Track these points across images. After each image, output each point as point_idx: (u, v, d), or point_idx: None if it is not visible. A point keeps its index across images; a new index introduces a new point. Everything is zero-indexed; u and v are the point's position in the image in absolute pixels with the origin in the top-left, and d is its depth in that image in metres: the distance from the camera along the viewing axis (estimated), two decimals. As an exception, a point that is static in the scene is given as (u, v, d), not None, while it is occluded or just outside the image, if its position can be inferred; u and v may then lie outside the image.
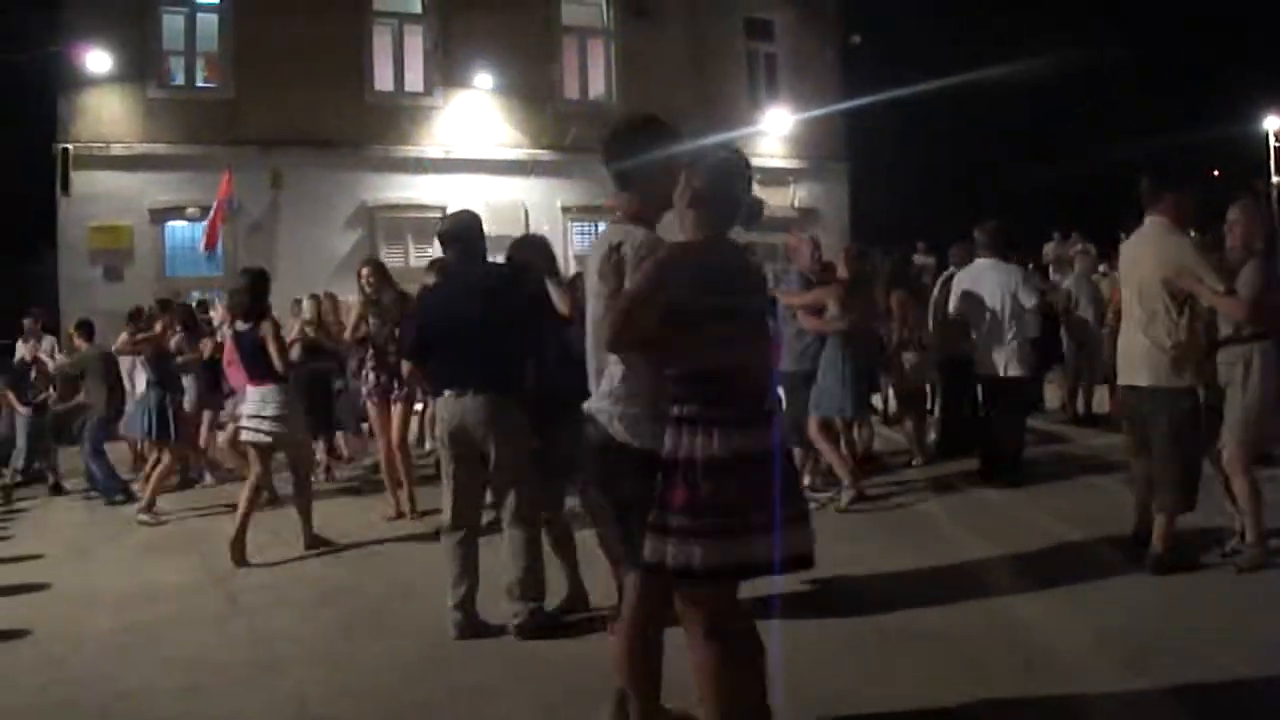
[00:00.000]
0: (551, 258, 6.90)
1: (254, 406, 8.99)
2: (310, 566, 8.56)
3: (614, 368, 4.26)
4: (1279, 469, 9.15)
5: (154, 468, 11.17)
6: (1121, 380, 7.34)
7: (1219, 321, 7.25)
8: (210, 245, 19.43)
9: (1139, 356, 7.06)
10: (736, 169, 4.30)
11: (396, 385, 10.10)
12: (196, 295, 17.89)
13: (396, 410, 10.15)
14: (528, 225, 20.70)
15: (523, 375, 6.61)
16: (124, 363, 13.22)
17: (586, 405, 4.34)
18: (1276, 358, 7.21)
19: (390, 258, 20.81)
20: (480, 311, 6.54)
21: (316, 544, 9.01)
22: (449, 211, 21.01)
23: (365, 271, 10.56)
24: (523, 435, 6.53)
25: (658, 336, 4.03)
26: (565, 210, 22.32)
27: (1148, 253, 7.05)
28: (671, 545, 3.92)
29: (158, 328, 11.67)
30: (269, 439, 9.00)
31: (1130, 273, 7.23)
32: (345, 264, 19.61)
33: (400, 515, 10.03)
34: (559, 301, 6.43)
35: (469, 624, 6.53)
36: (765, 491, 3.92)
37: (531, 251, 6.88)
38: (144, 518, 10.54)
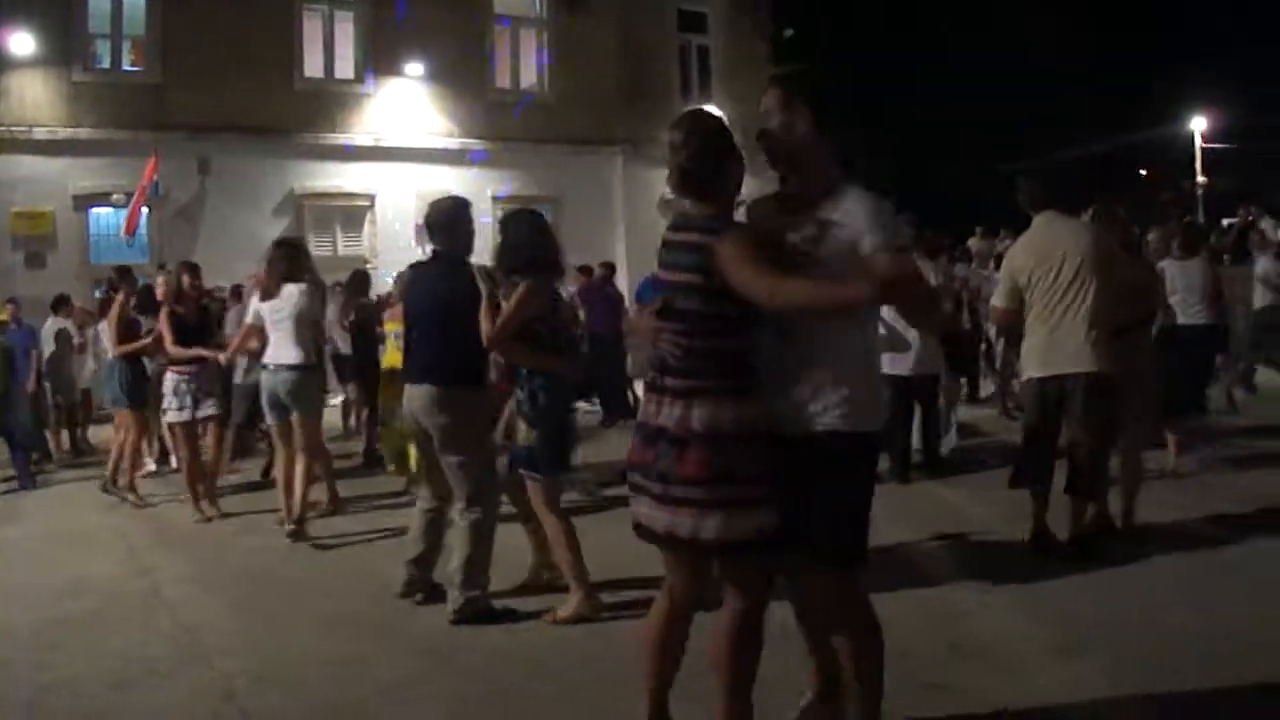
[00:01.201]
0: (532, 247, 6.64)
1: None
2: (238, 557, 8.57)
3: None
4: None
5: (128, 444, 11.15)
6: (1053, 370, 7.40)
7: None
8: (130, 230, 19.28)
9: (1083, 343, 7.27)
10: None
11: None
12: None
13: None
14: (458, 215, 20.68)
15: (474, 367, 6.70)
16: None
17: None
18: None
19: (318, 247, 20.82)
20: (429, 304, 6.80)
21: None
22: (377, 200, 21.29)
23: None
24: (468, 425, 6.64)
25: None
26: (496, 200, 22.34)
27: (1087, 239, 7.33)
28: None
29: (119, 297, 11.47)
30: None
31: (1068, 259, 7.31)
32: (273, 252, 19.58)
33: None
34: (485, 327, 6.39)
35: (416, 582, 6.90)
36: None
37: (522, 237, 6.71)
38: (130, 497, 10.78)
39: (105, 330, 11.86)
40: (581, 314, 16.01)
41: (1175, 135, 39.70)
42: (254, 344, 9.58)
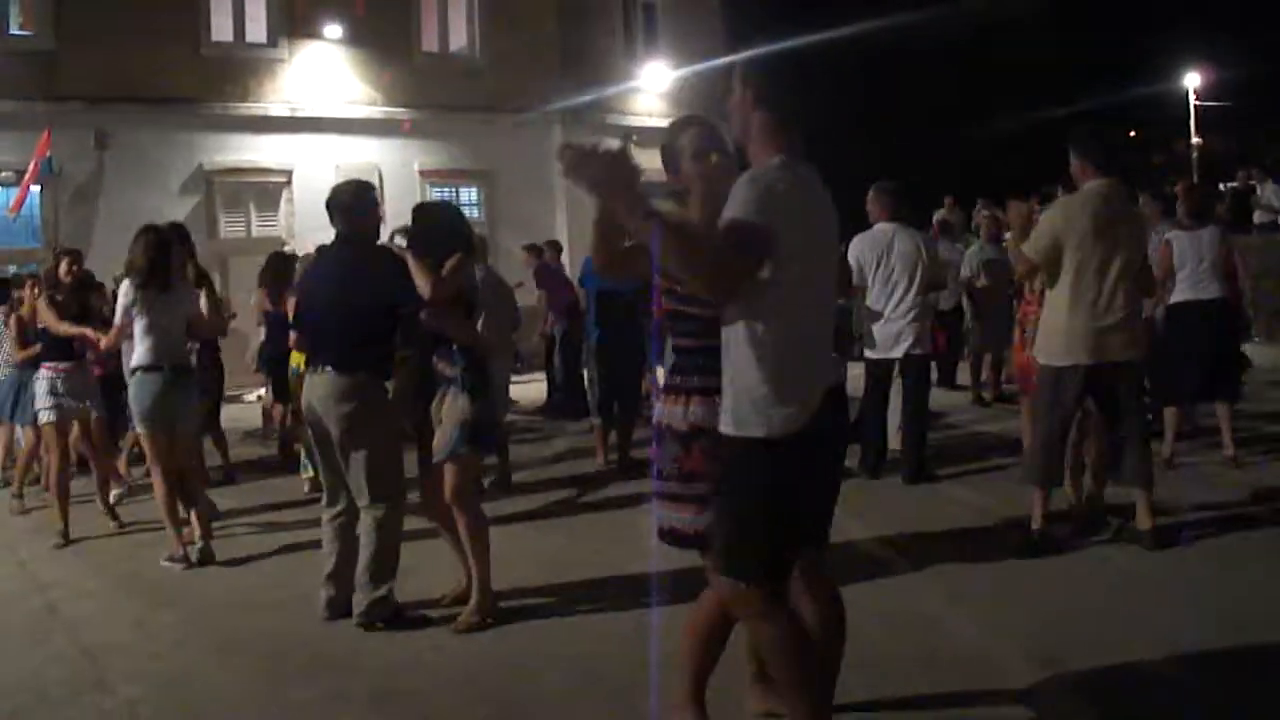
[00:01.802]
0: (451, 228, 6.99)
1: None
2: (143, 572, 8.45)
3: None
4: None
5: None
6: (1097, 357, 7.41)
7: None
8: (15, 209, 18.95)
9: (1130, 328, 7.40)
10: None
11: None
12: (13, 270, 17.38)
13: None
14: (382, 189, 20.59)
15: (378, 355, 6.79)
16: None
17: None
18: None
19: (230, 227, 20.74)
20: (329, 287, 6.93)
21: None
22: (294, 175, 21.11)
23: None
24: (370, 415, 6.69)
25: None
26: (423, 174, 22.25)
27: (1134, 217, 7.57)
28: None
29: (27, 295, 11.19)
30: None
31: (1110, 238, 7.35)
32: (180, 233, 19.36)
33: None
34: (421, 283, 6.56)
35: (335, 602, 6.87)
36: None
37: (428, 223, 6.96)
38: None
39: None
40: (539, 298, 16.00)
41: (1167, 93, 39.63)
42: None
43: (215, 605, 7.49)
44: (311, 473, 10.47)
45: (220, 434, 12.26)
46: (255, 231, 21.13)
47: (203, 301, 9.05)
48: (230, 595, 7.71)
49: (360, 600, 6.66)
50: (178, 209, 20.04)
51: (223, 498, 10.51)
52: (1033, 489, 7.70)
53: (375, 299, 6.66)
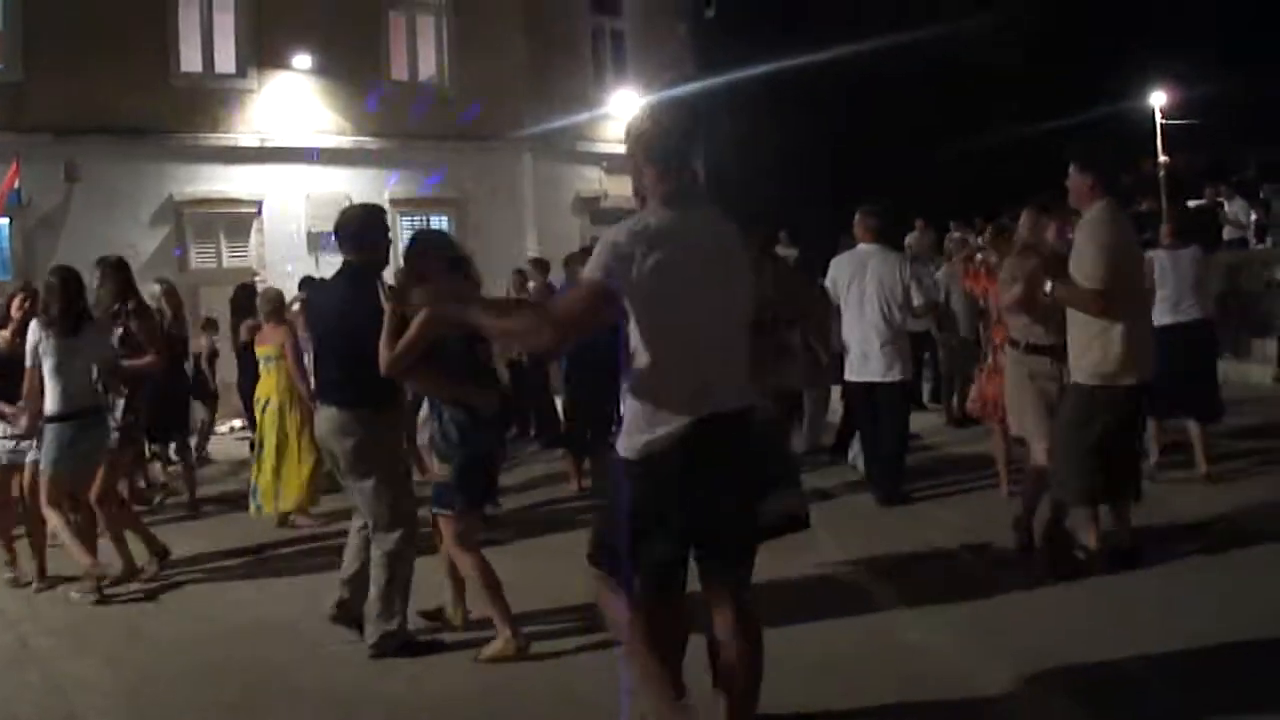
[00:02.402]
0: (446, 257, 6.83)
1: None
2: (114, 607, 8.40)
3: None
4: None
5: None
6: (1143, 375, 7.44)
7: None
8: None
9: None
10: None
11: None
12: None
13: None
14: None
15: (380, 388, 6.62)
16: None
17: None
18: None
19: (201, 258, 20.64)
20: (332, 321, 6.93)
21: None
22: (264, 205, 21.05)
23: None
24: (373, 448, 6.69)
25: None
26: (394, 203, 22.16)
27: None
28: None
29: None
30: None
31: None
32: (151, 264, 19.23)
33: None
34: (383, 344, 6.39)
35: (346, 603, 6.98)
36: None
37: (423, 251, 6.79)
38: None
39: None
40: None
41: (1132, 111, 39.71)
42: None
43: (186, 639, 7.47)
44: (256, 506, 10.60)
45: (190, 466, 12.20)
46: (226, 262, 21.01)
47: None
48: (201, 627, 7.69)
49: (371, 632, 6.70)
50: (148, 240, 20.09)
51: (192, 534, 10.47)
52: (1052, 506, 7.74)
53: (376, 335, 6.43)
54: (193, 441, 13.29)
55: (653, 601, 4.54)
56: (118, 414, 9.11)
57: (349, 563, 7.07)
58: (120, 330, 9.18)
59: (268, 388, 10.99)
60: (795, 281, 10.64)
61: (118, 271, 9.45)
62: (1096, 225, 7.28)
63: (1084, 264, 7.22)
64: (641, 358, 4.49)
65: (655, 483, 4.43)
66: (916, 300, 10.28)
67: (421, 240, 6.90)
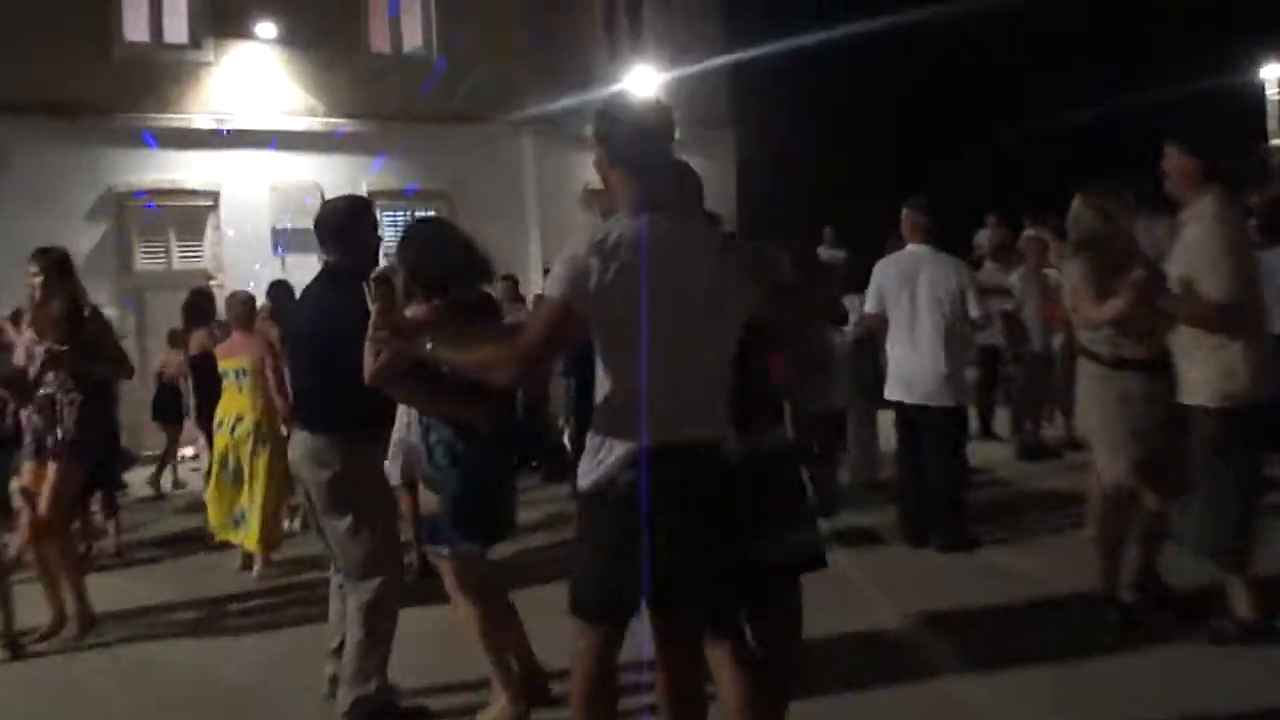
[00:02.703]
0: (446, 254, 6.72)
1: None
2: (46, 668, 8.33)
3: None
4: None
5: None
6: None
7: None
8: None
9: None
10: None
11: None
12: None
13: (52, 469, 9.08)
14: (325, 214, 20.52)
15: (364, 410, 6.51)
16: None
17: None
18: None
19: (148, 258, 20.61)
20: (308, 332, 6.85)
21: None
22: (222, 197, 21.03)
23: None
24: (352, 480, 6.57)
25: None
26: (374, 195, 22.09)
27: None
28: None
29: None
30: None
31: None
32: (89, 266, 19.16)
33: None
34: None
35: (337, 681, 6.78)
36: None
37: (419, 248, 6.74)
38: None
39: None
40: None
41: (1238, 86, 39.33)
42: None
43: (133, 708, 7.39)
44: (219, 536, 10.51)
45: (113, 507, 12.15)
46: (177, 264, 20.99)
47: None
48: (149, 695, 7.60)
49: (344, 697, 6.56)
50: (84, 237, 19.98)
51: (142, 580, 10.43)
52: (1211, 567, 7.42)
53: (360, 347, 6.17)
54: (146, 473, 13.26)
55: (596, 652, 4.74)
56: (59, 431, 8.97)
57: (335, 628, 6.99)
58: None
59: (236, 405, 10.81)
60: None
61: (59, 265, 9.35)
62: (1218, 222, 7.03)
63: (1204, 269, 6.96)
64: (602, 382, 4.70)
65: (605, 519, 4.65)
66: (974, 311, 10.17)
67: (411, 252, 6.73)
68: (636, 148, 4.71)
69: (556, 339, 4.64)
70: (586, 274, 4.47)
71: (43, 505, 8.87)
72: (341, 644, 6.84)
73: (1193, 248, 7.07)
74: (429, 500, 6.66)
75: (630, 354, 4.56)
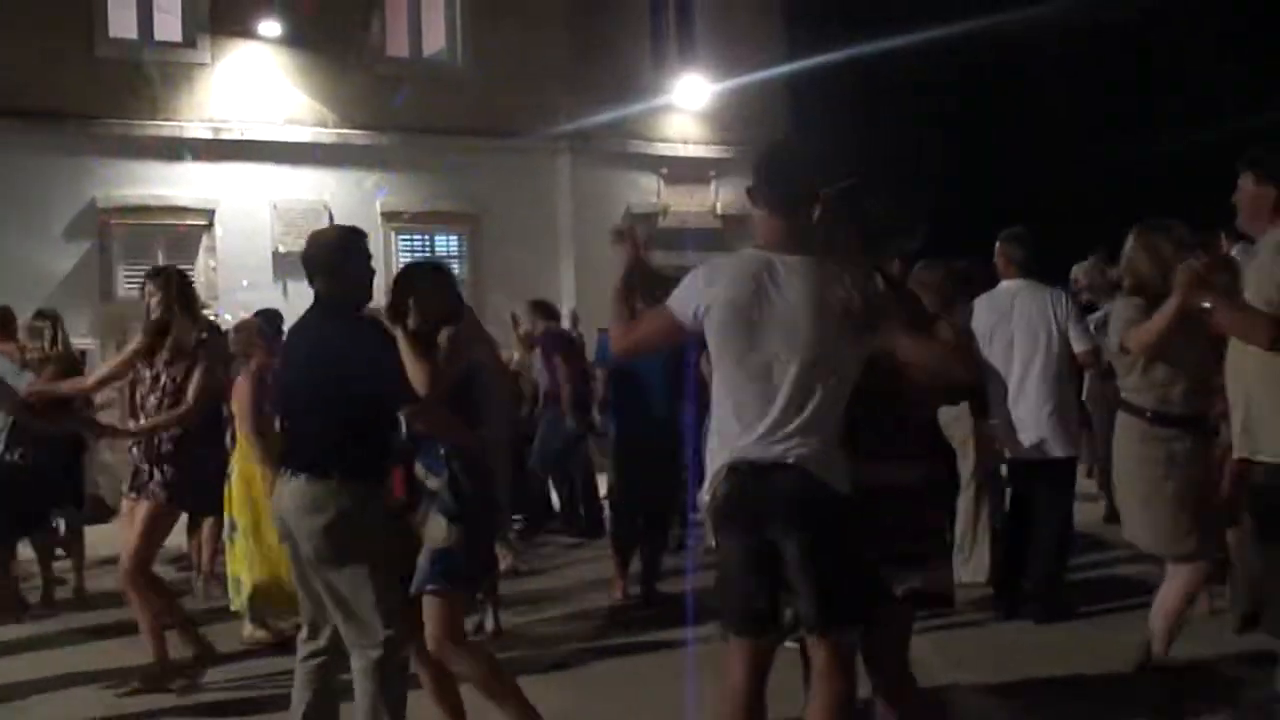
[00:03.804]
0: (443, 297, 7.06)
1: None
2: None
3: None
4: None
5: None
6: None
7: None
8: None
9: None
10: None
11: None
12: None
13: (142, 509, 9.41)
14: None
15: (365, 455, 6.67)
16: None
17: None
18: None
19: (132, 283, 20.45)
20: (305, 370, 6.95)
21: None
22: (218, 215, 21.01)
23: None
24: (353, 531, 6.58)
25: None
26: (387, 217, 22.10)
27: None
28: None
29: None
30: None
31: None
32: (66, 288, 19.28)
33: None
34: (414, 371, 6.60)
35: None
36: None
37: (412, 288, 6.99)
38: None
39: None
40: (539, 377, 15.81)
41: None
42: None
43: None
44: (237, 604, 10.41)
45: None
46: (166, 289, 20.92)
47: None
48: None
49: None
50: (63, 259, 20.06)
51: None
52: None
53: (359, 387, 6.57)
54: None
55: (739, 666, 5.57)
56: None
57: (297, 705, 6.94)
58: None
59: (240, 453, 10.81)
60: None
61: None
62: None
63: (1273, 294, 6.81)
64: (714, 401, 5.71)
65: (716, 530, 5.85)
66: (1079, 346, 10.04)
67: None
68: (764, 189, 5.73)
69: (651, 336, 6.01)
70: (697, 291, 5.59)
71: (131, 544, 9.20)
72: (304, 716, 6.90)
73: (1262, 273, 6.94)
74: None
75: (729, 374, 5.53)
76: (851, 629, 5.55)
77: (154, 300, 9.40)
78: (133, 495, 9.34)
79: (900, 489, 5.80)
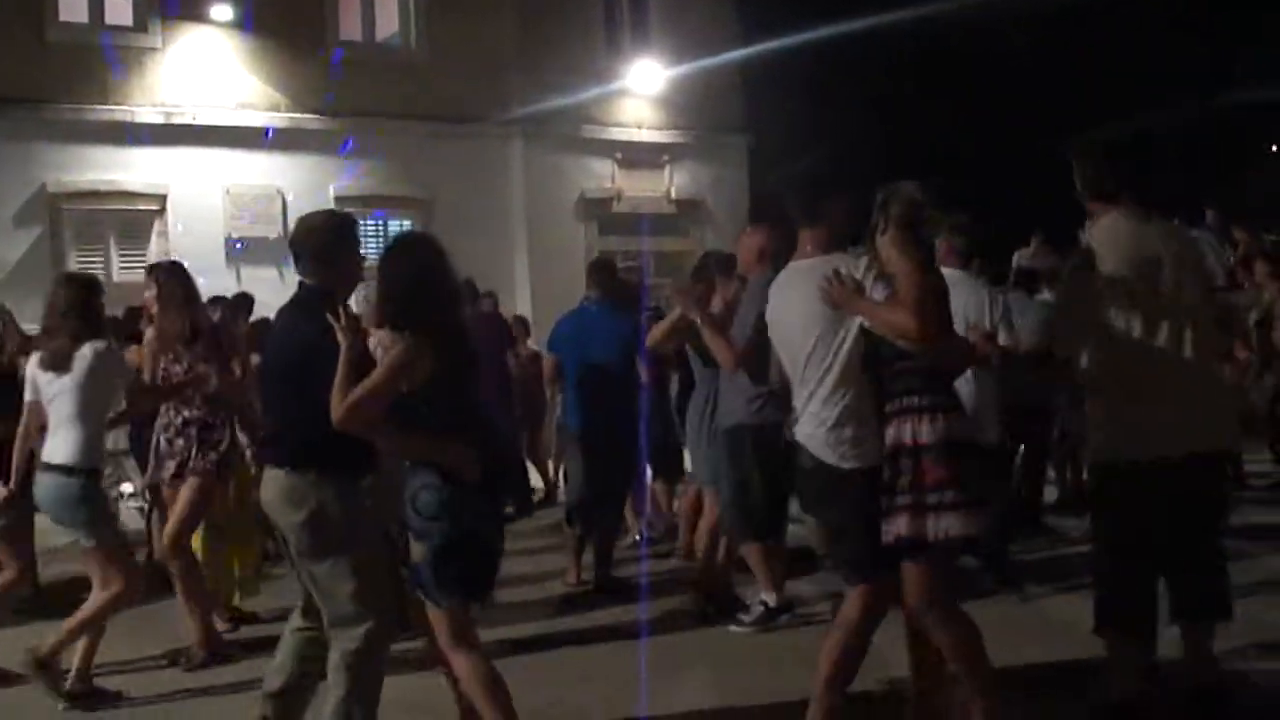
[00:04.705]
0: (431, 293, 6.70)
1: None
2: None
3: (823, 390, 6.55)
4: None
5: None
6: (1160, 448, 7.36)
7: None
8: None
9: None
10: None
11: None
12: None
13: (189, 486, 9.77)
14: (285, 221, 20.54)
15: (345, 446, 6.57)
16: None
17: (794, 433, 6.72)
18: None
19: (85, 268, 20.50)
20: (282, 359, 7.06)
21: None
22: (170, 200, 21.02)
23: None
24: (334, 521, 6.63)
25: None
26: (340, 201, 22.12)
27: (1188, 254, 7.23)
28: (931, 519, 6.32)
29: None
30: None
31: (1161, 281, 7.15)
32: (17, 274, 19.28)
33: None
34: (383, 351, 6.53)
35: None
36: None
37: (397, 268, 6.77)
38: None
39: None
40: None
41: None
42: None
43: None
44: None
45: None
46: (118, 275, 20.91)
47: None
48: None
49: None
50: (12, 245, 20.04)
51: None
52: None
53: (330, 382, 6.45)
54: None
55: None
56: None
57: (277, 667, 7.06)
58: None
59: None
60: None
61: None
62: None
63: None
64: None
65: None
66: (1002, 338, 10.15)
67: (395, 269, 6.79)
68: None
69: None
70: (760, 303, 6.96)
71: (179, 518, 9.64)
72: (282, 686, 7.01)
73: None
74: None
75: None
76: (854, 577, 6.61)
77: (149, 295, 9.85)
78: (175, 482, 9.72)
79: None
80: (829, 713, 6.56)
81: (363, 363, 6.37)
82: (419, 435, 6.50)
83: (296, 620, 7.12)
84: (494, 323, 14.30)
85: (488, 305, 16.17)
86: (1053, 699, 7.94)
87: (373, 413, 6.27)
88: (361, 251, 7.21)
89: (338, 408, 6.23)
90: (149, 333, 10.14)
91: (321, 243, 6.96)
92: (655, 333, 9.88)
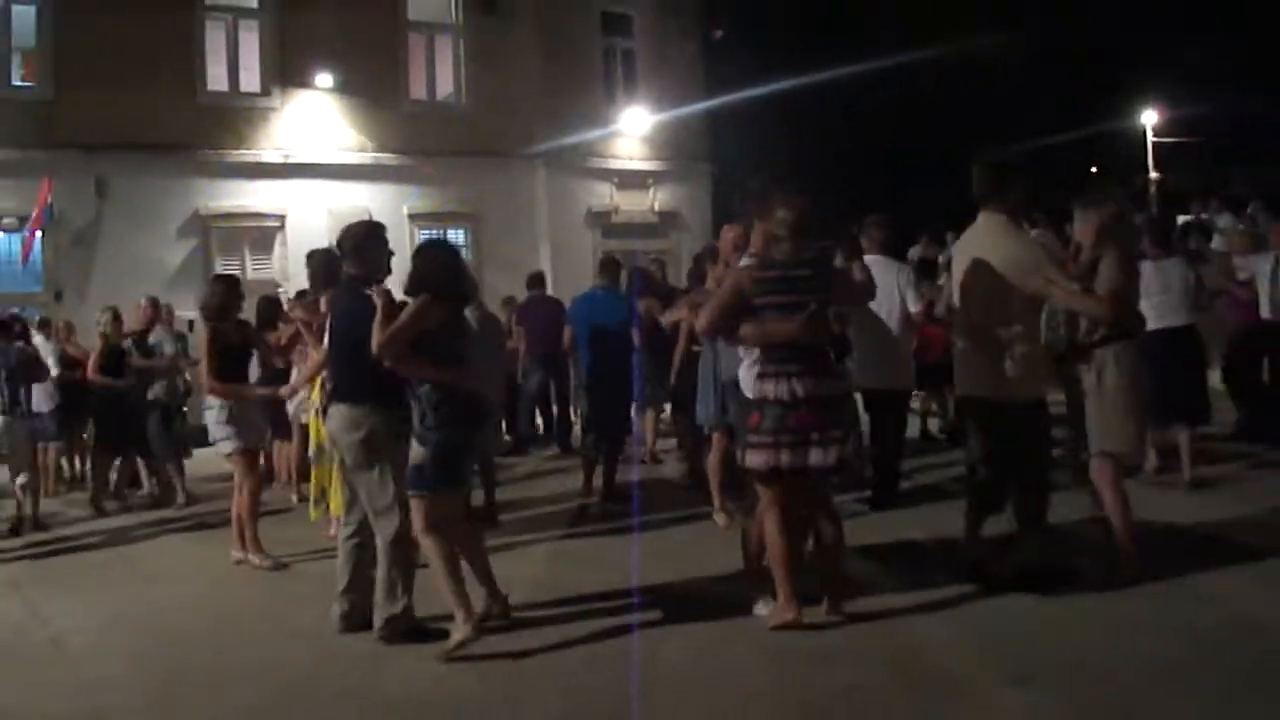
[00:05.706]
0: (441, 273, 6.99)
1: None
2: (147, 610, 8.38)
3: None
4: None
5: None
6: (963, 390, 7.54)
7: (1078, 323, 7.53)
8: (25, 257, 19.03)
9: (982, 366, 7.25)
10: None
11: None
12: (15, 311, 17.24)
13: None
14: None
15: (383, 387, 6.95)
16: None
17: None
18: (1132, 360, 7.48)
19: (227, 270, 20.52)
20: (337, 325, 7.38)
21: None
22: (288, 219, 21.08)
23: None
24: (375, 442, 7.00)
25: None
26: (412, 217, 22.19)
27: (992, 254, 7.20)
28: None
29: None
30: None
31: (969, 275, 7.34)
32: (177, 277, 19.48)
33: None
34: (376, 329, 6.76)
35: (351, 614, 7.22)
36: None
37: (425, 263, 7.03)
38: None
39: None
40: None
41: (1126, 130, 40.28)
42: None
43: (214, 644, 7.38)
44: (314, 512, 10.33)
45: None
46: (251, 274, 20.97)
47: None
48: (230, 633, 7.61)
49: (378, 617, 6.93)
50: (174, 254, 20.16)
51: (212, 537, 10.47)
52: None
53: (359, 331, 6.89)
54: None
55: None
56: None
57: (342, 573, 7.34)
58: None
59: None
60: None
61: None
62: None
63: None
64: None
65: None
66: (913, 306, 10.25)
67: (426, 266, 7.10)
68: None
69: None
70: None
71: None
72: (349, 583, 7.29)
73: None
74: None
75: None
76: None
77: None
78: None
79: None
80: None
81: (393, 314, 6.72)
82: (430, 362, 6.76)
83: (343, 532, 7.49)
84: (493, 321, 14.27)
85: (537, 287, 16.22)
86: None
87: (400, 344, 6.67)
88: (388, 249, 7.44)
89: (378, 340, 6.66)
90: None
91: (356, 242, 7.34)
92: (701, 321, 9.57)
